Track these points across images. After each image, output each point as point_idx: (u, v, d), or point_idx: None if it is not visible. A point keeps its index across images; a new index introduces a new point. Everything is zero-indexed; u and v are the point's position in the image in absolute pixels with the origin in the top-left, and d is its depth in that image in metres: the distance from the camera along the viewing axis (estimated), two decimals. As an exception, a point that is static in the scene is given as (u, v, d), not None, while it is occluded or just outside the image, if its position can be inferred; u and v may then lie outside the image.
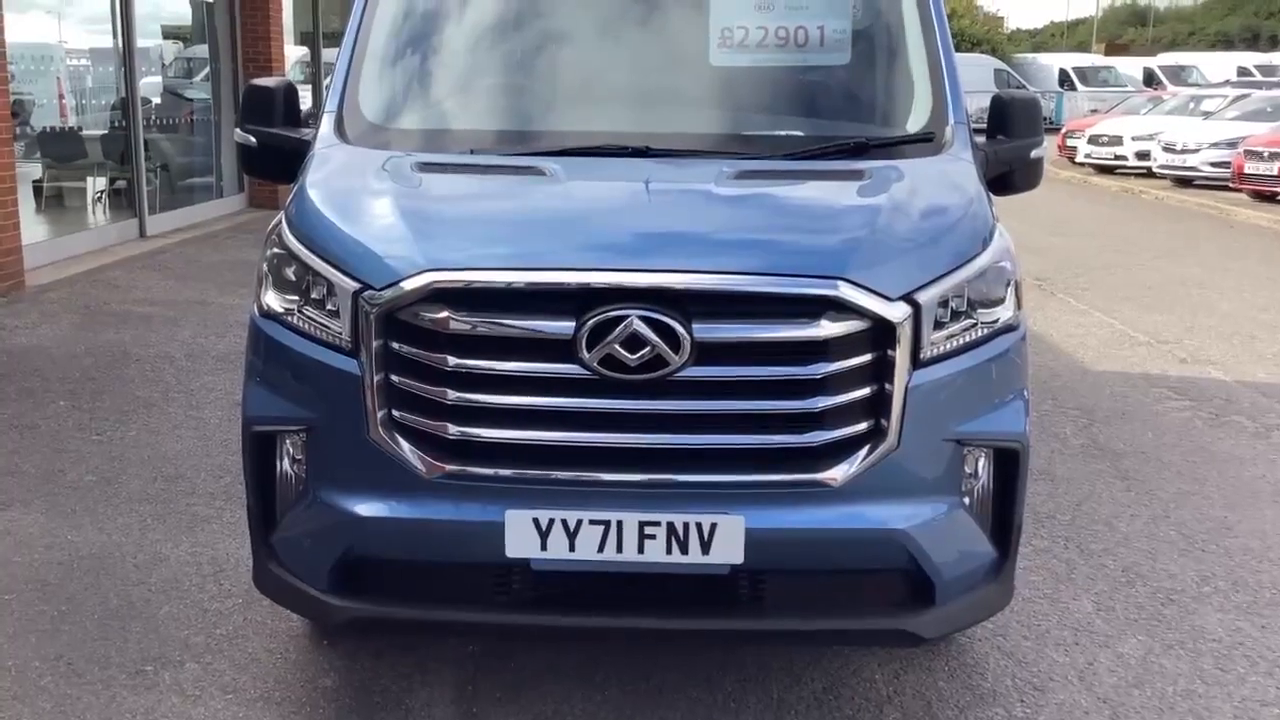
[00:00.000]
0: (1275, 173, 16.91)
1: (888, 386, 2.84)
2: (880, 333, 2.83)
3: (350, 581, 2.97)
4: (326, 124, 3.59)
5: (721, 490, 2.83)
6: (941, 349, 2.94)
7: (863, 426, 2.86)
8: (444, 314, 2.78)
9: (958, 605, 3.05)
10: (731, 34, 3.78)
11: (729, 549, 2.84)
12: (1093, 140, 22.63)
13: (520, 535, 2.82)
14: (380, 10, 3.87)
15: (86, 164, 11.71)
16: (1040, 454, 5.73)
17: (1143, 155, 21.15)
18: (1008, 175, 3.87)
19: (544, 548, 2.83)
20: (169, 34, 14.11)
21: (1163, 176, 20.30)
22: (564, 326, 2.75)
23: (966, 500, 3.05)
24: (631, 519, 2.82)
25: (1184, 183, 19.77)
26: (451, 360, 2.79)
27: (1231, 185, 17.90)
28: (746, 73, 3.82)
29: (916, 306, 2.86)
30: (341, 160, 3.42)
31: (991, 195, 3.50)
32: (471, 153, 3.47)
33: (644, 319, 2.73)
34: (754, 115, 3.79)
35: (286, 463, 3.04)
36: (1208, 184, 19.08)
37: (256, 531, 3.11)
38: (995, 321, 3.07)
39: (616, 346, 2.73)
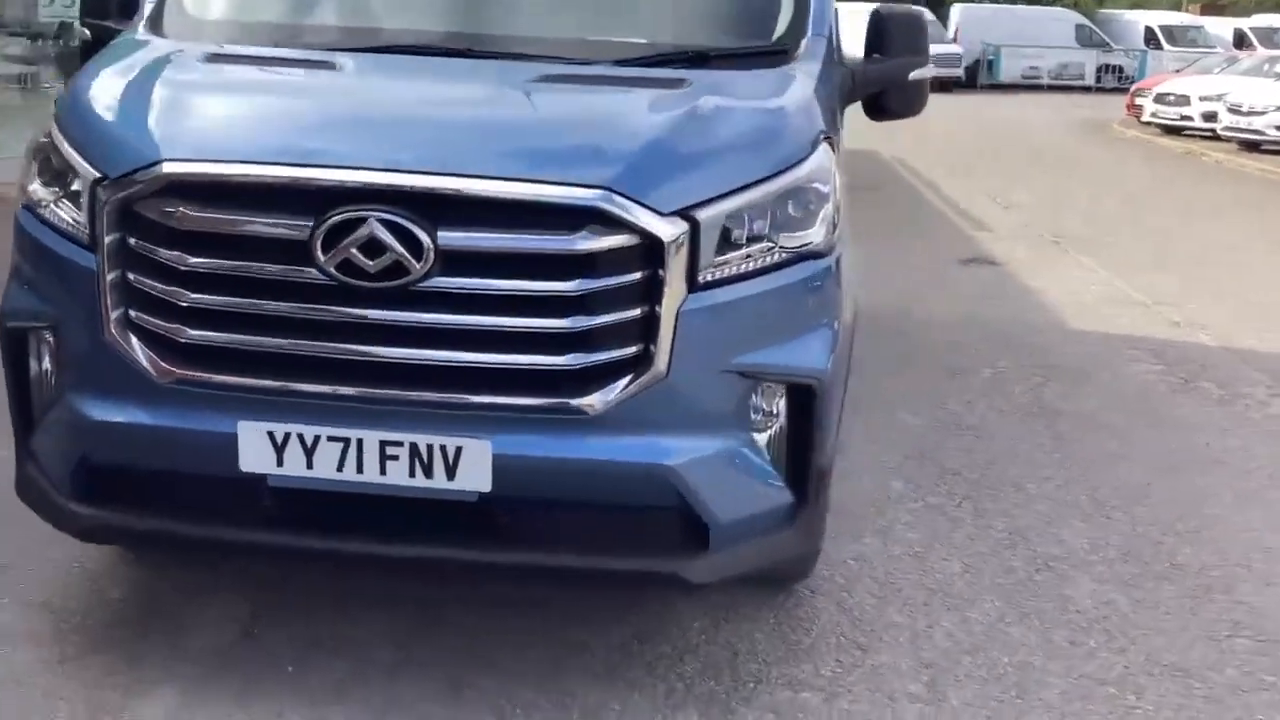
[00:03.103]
0: (1343, 138, 16.06)
1: (657, 309, 2.61)
2: (651, 250, 2.60)
3: (92, 488, 2.82)
4: (142, 14, 3.41)
5: (468, 412, 2.63)
6: (727, 272, 2.70)
7: (628, 351, 2.63)
8: (180, 208, 2.60)
9: (739, 551, 2.84)
10: None
11: (476, 475, 2.64)
12: (1159, 99, 21.69)
13: (254, 448, 2.65)
14: None
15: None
16: (976, 409, 5.46)
17: (1209, 116, 20.19)
18: (881, 97, 3.59)
19: (280, 463, 2.66)
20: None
21: (1229, 139, 19.40)
22: (302, 227, 2.55)
23: (760, 438, 2.82)
24: (372, 438, 2.63)
25: (1250, 146, 18.85)
26: (188, 259, 2.61)
27: (1300, 150, 17.05)
28: None
29: (694, 224, 2.62)
30: (132, 50, 3.22)
31: (836, 114, 3.24)
32: (275, 45, 3.27)
33: (384, 222, 2.52)
34: (603, 19, 3.53)
35: (42, 362, 2.90)
36: (1276, 148, 18.18)
37: (18, 434, 2.98)
38: (801, 246, 2.82)
39: (354, 251, 2.53)
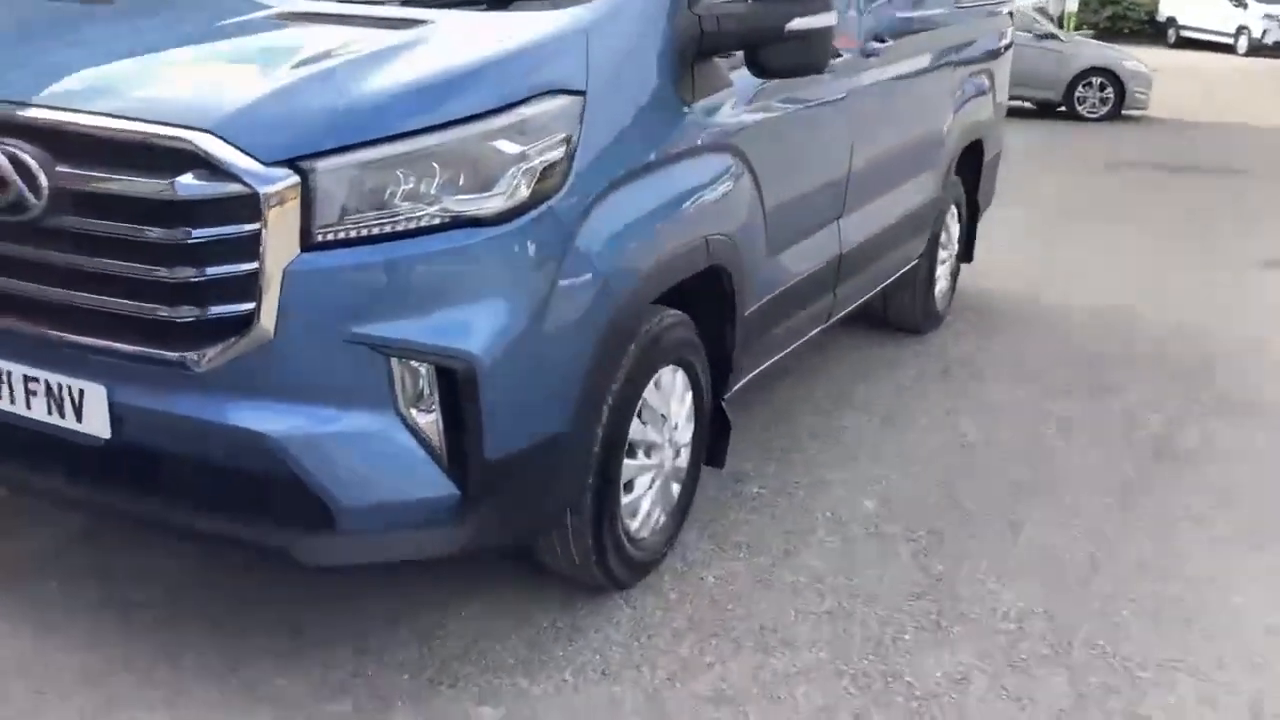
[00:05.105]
0: None
1: (265, 265, 2.42)
2: (259, 201, 2.41)
3: None
4: None
5: (90, 355, 2.59)
6: (358, 231, 2.46)
7: (239, 309, 2.46)
8: None
9: (378, 538, 2.63)
10: None
11: (97, 420, 2.62)
12: None
13: None
14: None
15: None
16: (1044, 434, 4.60)
17: None
18: (755, 52, 3.09)
19: None
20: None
21: None
22: None
23: (422, 421, 2.56)
24: (19, 370, 2.67)
25: None
26: None
27: None
28: None
29: (305, 174, 2.40)
30: None
31: (648, 66, 2.92)
32: None
33: (9, 154, 2.52)
34: None
35: None
36: None
37: None
38: (468, 211, 2.51)
39: None
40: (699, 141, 3.15)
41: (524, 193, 2.56)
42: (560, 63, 2.71)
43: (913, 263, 5.35)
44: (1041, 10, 24.62)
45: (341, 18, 2.93)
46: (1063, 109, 16.55)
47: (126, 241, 2.49)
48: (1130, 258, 7.81)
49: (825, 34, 3.12)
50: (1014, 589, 3.42)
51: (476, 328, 2.53)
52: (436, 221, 2.49)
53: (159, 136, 2.43)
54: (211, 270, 2.44)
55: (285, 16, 2.95)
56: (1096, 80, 16.47)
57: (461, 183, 2.51)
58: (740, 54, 3.15)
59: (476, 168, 2.52)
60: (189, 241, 2.43)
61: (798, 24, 3.03)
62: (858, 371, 5.18)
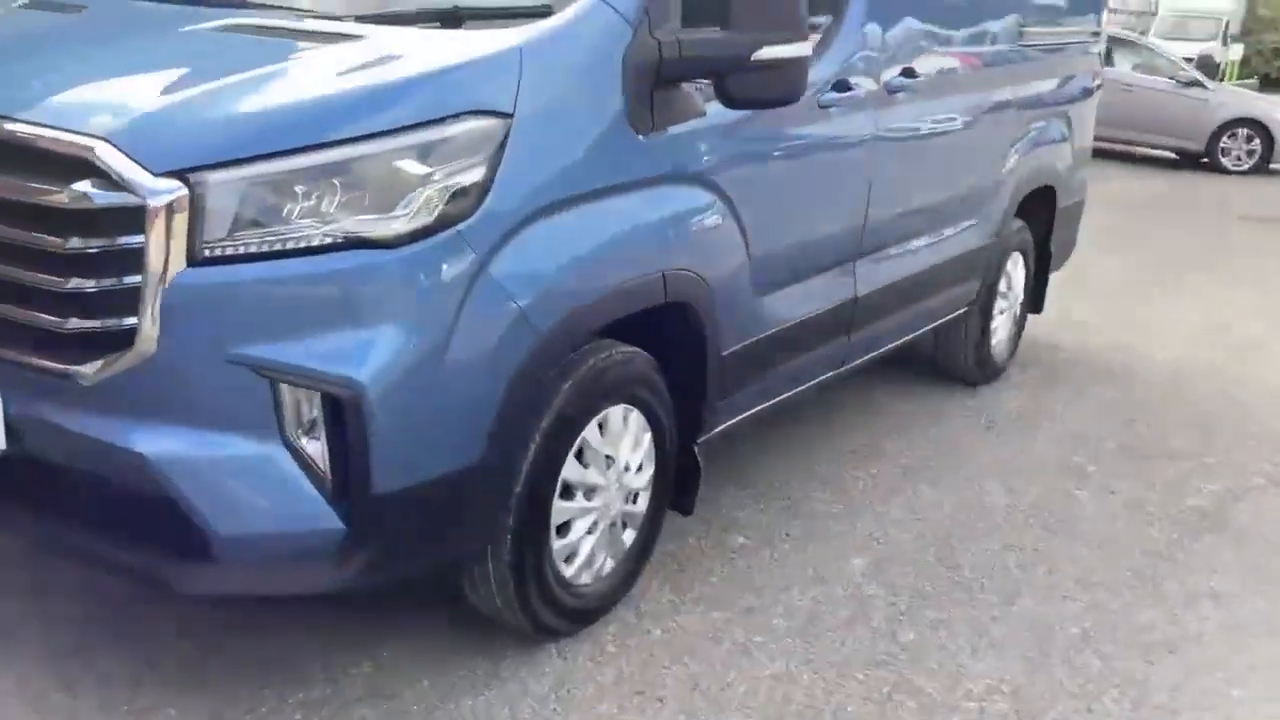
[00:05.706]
0: None
1: (147, 279, 2.38)
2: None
3: None
4: None
5: None
6: (247, 248, 2.39)
7: (125, 322, 2.42)
8: None
9: (259, 570, 2.54)
10: None
11: (-2, 429, 2.60)
12: None
13: None
14: None
15: None
16: (1088, 503, 4.29)
17: None
18: (722, 81, 2.95)
19: None
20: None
21: None
22: None
23: (311, 450, 2.48)
24: None
25: None
26: None
27: None
28: None
29: (193, 187, 2.35)
30: None
31: (597, 91, 2.80)
32: None
33: None
34: None
35: None
36: None
37: None
38: (362, 232, 2.42)
39: None
40: (657, 172, 3.01)
41: (429, 216, 2.46)
42: (485, 84, 2.60)
43: (959, 311, 5.08)
44: (1206, 60, 23.60)
45: (284, 31, 2.89)
46: (1206, 160, 15.80)
47: (24, 249, 2.47)
48: (1231, 316, 7.32)
49: (797, 64, 2.96)
50: (987, 662, 3.15)
51: (367, 354, 2.43)
52: (331, 241, 2.41)
53: (60, 143, 2.42)
54: (98, 282, 2.40)
55: (227, 29, 2.92)
56: (1243, 131, 15.67)
57: (364, 202, 2.43)
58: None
59: (379, 187, 2.43)
60: (81, 251, 2.40)
61: (766, 53, 2.88)
62: (896, 422, 4.92)
